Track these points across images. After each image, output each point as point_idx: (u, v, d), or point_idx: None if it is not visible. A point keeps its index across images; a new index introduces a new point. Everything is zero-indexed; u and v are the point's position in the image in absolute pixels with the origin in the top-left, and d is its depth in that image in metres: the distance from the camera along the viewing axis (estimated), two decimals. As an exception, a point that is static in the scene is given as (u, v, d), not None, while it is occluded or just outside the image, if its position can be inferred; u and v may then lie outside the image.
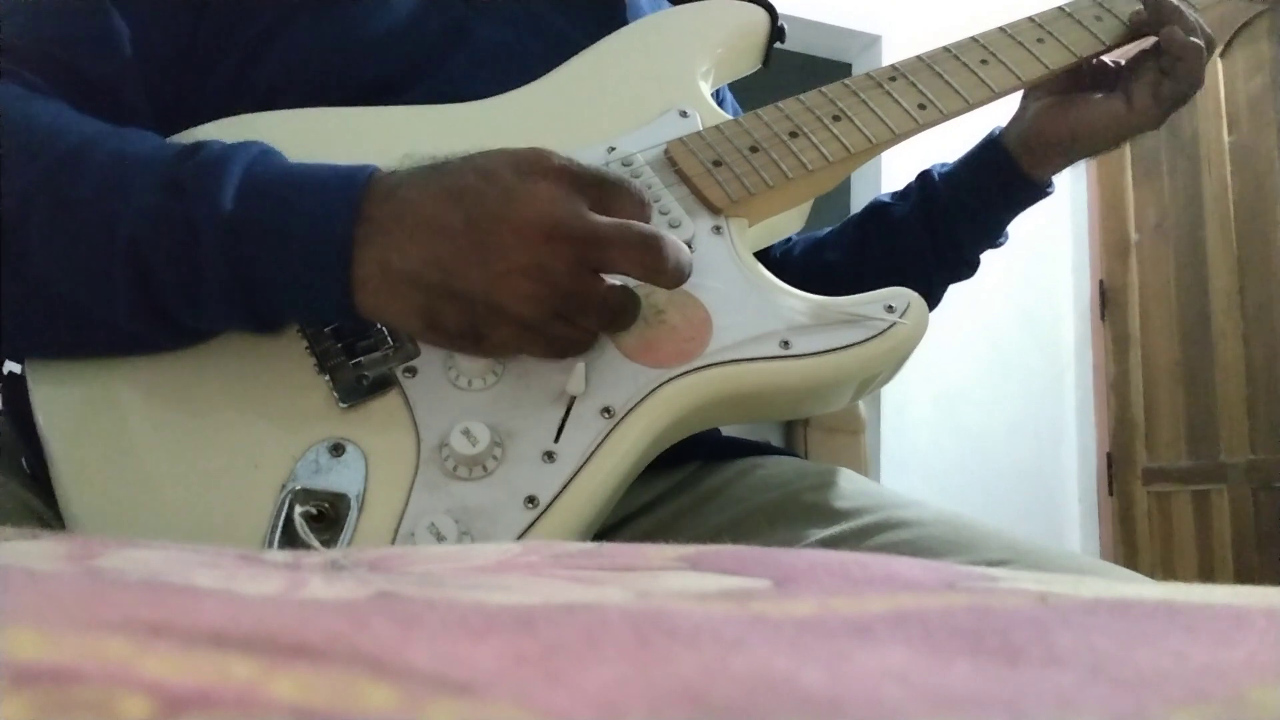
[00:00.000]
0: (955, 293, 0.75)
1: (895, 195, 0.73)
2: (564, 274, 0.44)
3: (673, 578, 0.21)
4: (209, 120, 0.53)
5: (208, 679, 0.11)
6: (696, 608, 0.17)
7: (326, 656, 0.12)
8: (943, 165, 0.72)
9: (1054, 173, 0.68)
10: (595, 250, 0.44)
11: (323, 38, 0.58)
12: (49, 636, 0.12)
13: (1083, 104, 0.66)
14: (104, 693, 0.11)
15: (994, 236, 0.71)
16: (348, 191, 0.45)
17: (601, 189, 0.46)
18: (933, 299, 0.71)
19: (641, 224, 0.45)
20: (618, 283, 0.47)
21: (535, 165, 0.45)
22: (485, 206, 0.44)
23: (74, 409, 0.46)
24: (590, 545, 0.26)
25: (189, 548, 0.22)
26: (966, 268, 0.72)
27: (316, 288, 0.44)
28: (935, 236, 0.70)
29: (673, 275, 0.46)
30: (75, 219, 0.45)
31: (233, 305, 0.45)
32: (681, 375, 0.47)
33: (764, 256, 0.71)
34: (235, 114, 0.53)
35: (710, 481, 0.61)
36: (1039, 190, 0.69)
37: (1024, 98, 0.69)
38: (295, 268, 0.44)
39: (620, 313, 0.47)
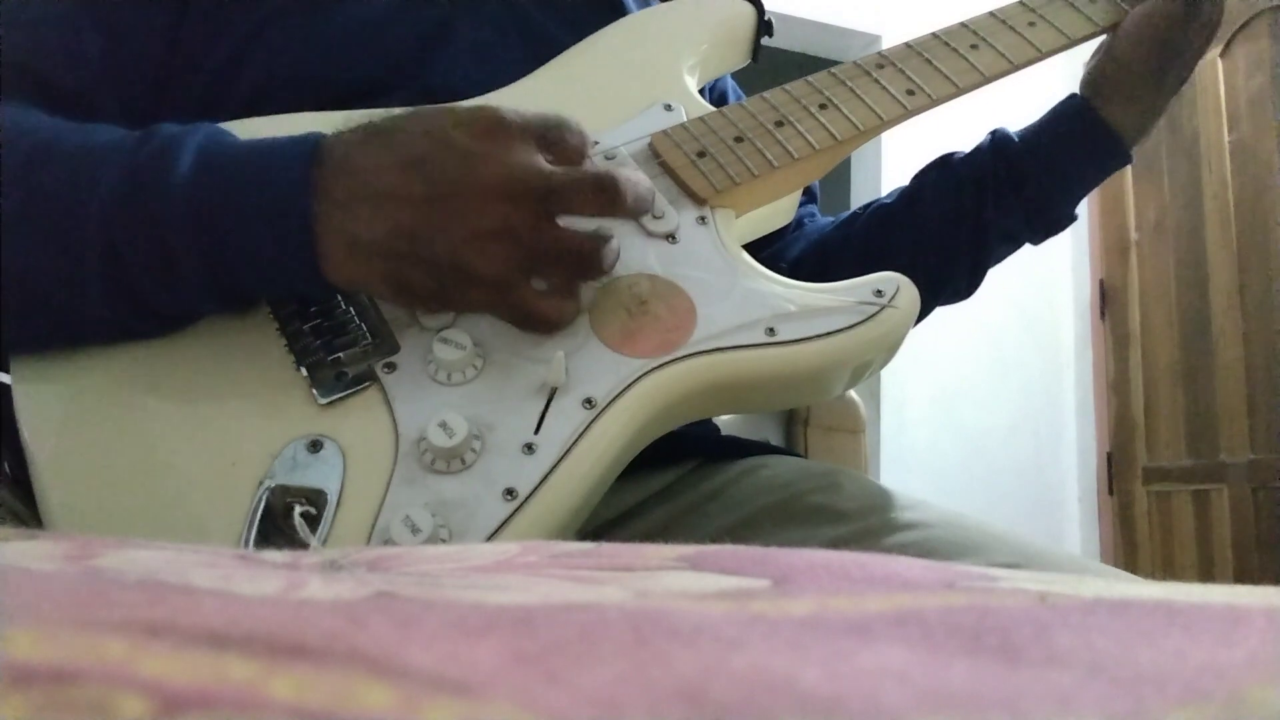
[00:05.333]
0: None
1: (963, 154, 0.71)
2: (527, 228, 0.45)
3: (672, 577, 0.21)
4: None
5: (206, 679, 0.11)
6: (695, 607, 0.17)
7: (325, 657, 0.12)
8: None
9: (1125, 114, 0.65)
10: (553, 198, 0.45)
11: (304, 41, 0.58)
12: (47, 636, 0.12)
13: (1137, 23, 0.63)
14: (102, 692, 0.11)
15: (1061, 201, 0.67)
16: (299, 163, 0.45)
17: (545, 131, 0.47)
18: (984, 255, 0.69)
19: (593, 166, 0.47)
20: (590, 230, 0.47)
21: (485, 123, 0.45)
22: (445, 173, 0.44)
23: (54, 408, 0.46)
24: (589, 545, 0.26)
25: (187, 548, 0.22)
26: (1028, 229, 0.68)
27: (282, 264, 0.45)
28: (997, 180, 0.67)
29: (633, 207, 0.48)
30: (45, 212, 0.45)
31: (205, 287, 0.45)
32: (665, 365, 0.47)
33: (775, 244, 0.70)
34: (218, 121, 0.53)
35: (712, 482, 0.60)
36: (1116, 142, 0.66)
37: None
38: (260, 245, 0.45)
39: (589, 257, 0.47)
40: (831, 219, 0.76)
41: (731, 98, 0.77)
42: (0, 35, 0.54)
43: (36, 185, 0.45)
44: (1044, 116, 0.68)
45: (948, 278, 0.71)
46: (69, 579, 0.18)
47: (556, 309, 0.47)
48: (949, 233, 0.69)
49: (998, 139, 0.69)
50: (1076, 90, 0.68)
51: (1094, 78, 0.66)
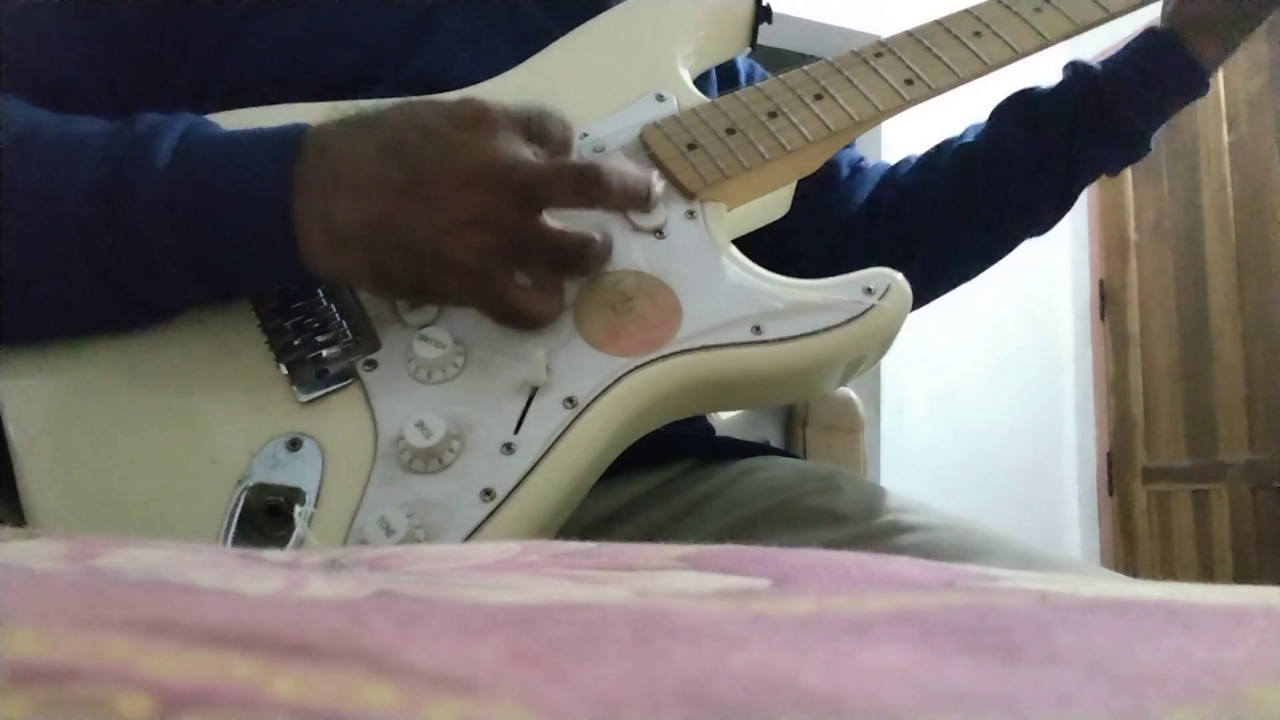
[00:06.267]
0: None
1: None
2: (509, 219, 0.44)
3: (673, 577, 0.21)
4: None
5: (208, 678, 0.11)
6: (696, 606, 0.17)
7: (327, 655, 0.12)
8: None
9: (1208, 46, 0.66)
10: (536, 189, 0.44)
11: (289, 33, 0.58)
12: (49, 635, 0.12)
13: None
14: (104, 691, 0.11)
15: (1147, 132, 0.68)
16: (279, 153, 0.45)
17: (529, 122, 0.46)
18: (1073, 188, 0.70)
19: (579, 158, 0.47)
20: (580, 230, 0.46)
21: (469, 114, 0.45)
22: (425, 160, 0.44)
23: (36, 404, 0.46)
24: (590, 544, 0.26)
25: (188, 547, 0.22)
26: (1113, 161, 0.69)
27: (261, 253, 0.45)
28: (1088, 113, 0.68)
29: (621, 198, 0.47)
30: (25, 203, 0.45)
31: (184, 276, 0.45)
32: (649, 363, 0.46)
33: (832, 169, 0.70)
34: (202, 114, 0.53)
35: (708, 484, 0.60)
36: (1202, 74, 0.67)
37: None
38: (237, 233, 0.44)
39: (573, 253, 0.47)
40: (900, 161, 0.76)
41: (742, 75, 0.76)
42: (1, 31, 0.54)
43: (16, 178, 0.45)
44: (1128, 51, 0.69)
45: (1036, 215, 0.71)
46: (70, 578, 0.18)
47: (538, 304, 0.46)
48: (1038, 172, 0.69)
49: (1081, 74, 0.69)
50: (1157, 25, 0.68)
51: (1180, 12, 0.67)
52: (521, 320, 0.47)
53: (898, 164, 0.76)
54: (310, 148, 0.45)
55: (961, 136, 0.73)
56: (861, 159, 0.77)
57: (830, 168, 0.71)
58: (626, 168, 0.48)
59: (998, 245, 0.73)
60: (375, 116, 0.46)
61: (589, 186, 0.46)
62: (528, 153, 0.45)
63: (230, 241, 0.45)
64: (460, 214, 0.44)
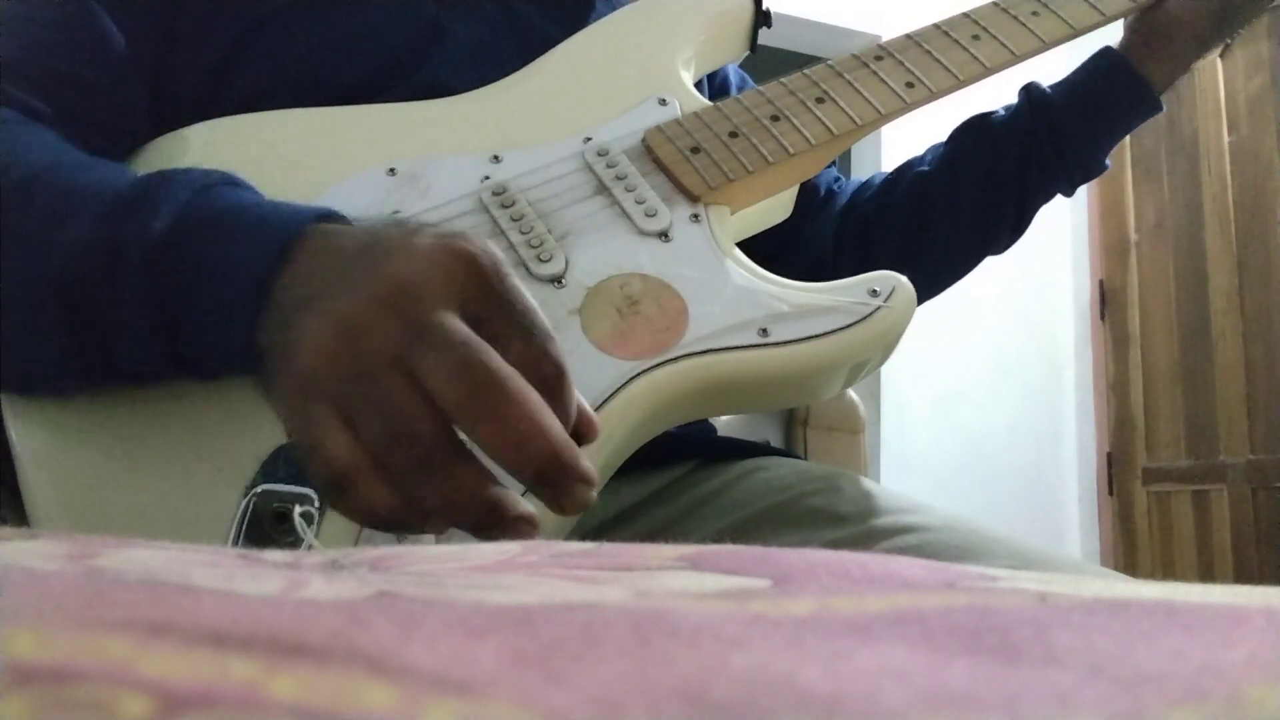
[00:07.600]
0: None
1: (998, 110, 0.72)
2: (369, 347, 0.33)
3: (672, 577, 0.21)
4: (187, 125, 0.53)
5: (208, 678, 0.11)
6: (696, 607, 0.17)
7: (326, 656, 0.12)
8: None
9: (1163, 70, 0.67)
10: (416, 340, 0.32)
11: (297, 43, 0.58)
12: (48, 635, 0.12)
13: None
14: (103, 692, 0.11)
15: (1099, 153, 0.69)
16: (283, 232, 0.39)
17: (500, 310, 0.34)
18: (1027, 212, 0.70)
19: (490, 355, 0.32)
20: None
21: (454, 236, 0.35)
22: (376, 248, 0.36)
23: (43, 413, 0.45)
24: (589, 545, 0.26)
25: (188, 547, 0.22)
26: (1066, 182, 0.70)
27: (227, 322, 0.39)
28: (1038, 139, 0.68)
29: (510, 447, 0.32)
30: (17, 253, 0.43)
31: (152, 335, 0.41)
32: (656, 367, 0.46)
33: (813, 195, 0.71)
34: (213, 119, 0.53)
35: (710, 484, 0.60)
36: (1153, 96, 0.67)
37: None
38: (211, 301, 0.40)
39: (410, 442, 0.32)
40: (864, 184, 0.76)
41: (733, 85, 0.77)
42: (20, 36, 0.53)
43: (14, 227, 0.43)
44: (1080, 74, 0.69)
45: (993, 238, 0.72)
46: (70, 578, 0.18)
47: (348, 453, 0.32)
48: (993, 197, 0.70)
49: (1035, 99, 0.69)
50: (1112, 45, 0.68)
51: (1144, 36, 0.67)
52: (318, 464, 0.33)
53: (863, 185, 0.76)
54: (314, 234, 0.39)
55: (920, 161, 0.73)
56: (838, 179, 0.77)
57: (808, 194, 0.72)
58: (557, 436, 0.33)
59: (954, 269, 0.73)
60: (391, 242, 0.36)
61: (461, 386, 0.31)
62: (450, 309, 0.34)
63: (202, 318, 0.41)
64: (337, 307, 0.34)
